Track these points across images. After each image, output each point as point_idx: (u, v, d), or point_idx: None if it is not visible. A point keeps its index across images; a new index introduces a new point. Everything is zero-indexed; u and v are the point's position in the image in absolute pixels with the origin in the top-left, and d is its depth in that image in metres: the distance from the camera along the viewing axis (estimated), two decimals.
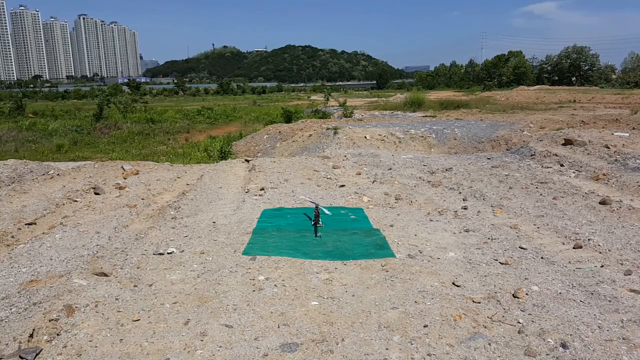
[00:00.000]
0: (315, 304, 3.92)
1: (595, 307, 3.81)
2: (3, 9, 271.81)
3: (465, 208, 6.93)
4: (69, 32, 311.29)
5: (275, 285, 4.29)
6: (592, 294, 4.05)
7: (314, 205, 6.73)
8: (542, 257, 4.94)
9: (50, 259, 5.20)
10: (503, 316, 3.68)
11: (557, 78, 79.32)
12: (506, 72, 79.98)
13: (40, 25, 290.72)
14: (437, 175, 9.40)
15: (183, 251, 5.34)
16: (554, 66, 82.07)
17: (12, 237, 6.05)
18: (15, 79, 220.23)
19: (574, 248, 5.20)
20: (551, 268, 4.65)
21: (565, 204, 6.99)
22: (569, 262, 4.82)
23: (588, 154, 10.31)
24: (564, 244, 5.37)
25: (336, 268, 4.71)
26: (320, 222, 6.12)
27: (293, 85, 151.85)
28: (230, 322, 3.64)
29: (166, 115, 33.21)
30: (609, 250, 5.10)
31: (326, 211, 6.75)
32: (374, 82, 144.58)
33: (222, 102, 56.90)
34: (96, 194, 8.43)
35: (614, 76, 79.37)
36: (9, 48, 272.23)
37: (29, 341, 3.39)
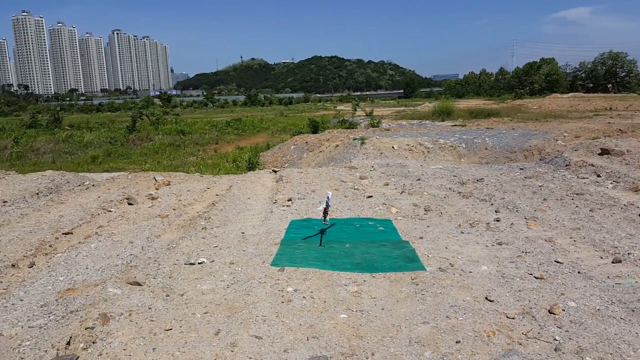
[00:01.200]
0: (344, 317, 3.89)
1: (636, 324, 3.63)
2: (42, 25, 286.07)
3: (497, 220, 6.76)
4: (104, 47, 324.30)
5: (303, 297, 4.28)
6: (633, 310, 3.86)
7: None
8: (579, 272, 4.75)
9: (86, 268, 5.36)
10: (538, 333, 3.55)
11: (592, 85, 76.90)
12: (538, 79, 78.13)
13: (77, 40, 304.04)
14: (468, 186, 9.22)
15: (213, 261, 5.41)
16: (588, 73, 79.65)
17: (50, 246, 6.26)
18: (53, 93, 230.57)
19: (612, 262, 4.98)
20: (589, 283, 4.46)
21: (602, 216, 6.72)
22: (608, 277, 4.61)
23: (626, 164, 9.90)
24: (602, 257, 5.16)
25: (365, 280, 4.66)
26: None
27: (319, 95, 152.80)
28: (260, 333, 3.65)
29: (196, 127, 34.00)
30: None
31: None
32: (401, 91, 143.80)
33: (250, 113, 57.87)
34: (129, 204, 8.66)
35: None
36: (47, 63, 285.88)
37: (66, 348, 3.49)
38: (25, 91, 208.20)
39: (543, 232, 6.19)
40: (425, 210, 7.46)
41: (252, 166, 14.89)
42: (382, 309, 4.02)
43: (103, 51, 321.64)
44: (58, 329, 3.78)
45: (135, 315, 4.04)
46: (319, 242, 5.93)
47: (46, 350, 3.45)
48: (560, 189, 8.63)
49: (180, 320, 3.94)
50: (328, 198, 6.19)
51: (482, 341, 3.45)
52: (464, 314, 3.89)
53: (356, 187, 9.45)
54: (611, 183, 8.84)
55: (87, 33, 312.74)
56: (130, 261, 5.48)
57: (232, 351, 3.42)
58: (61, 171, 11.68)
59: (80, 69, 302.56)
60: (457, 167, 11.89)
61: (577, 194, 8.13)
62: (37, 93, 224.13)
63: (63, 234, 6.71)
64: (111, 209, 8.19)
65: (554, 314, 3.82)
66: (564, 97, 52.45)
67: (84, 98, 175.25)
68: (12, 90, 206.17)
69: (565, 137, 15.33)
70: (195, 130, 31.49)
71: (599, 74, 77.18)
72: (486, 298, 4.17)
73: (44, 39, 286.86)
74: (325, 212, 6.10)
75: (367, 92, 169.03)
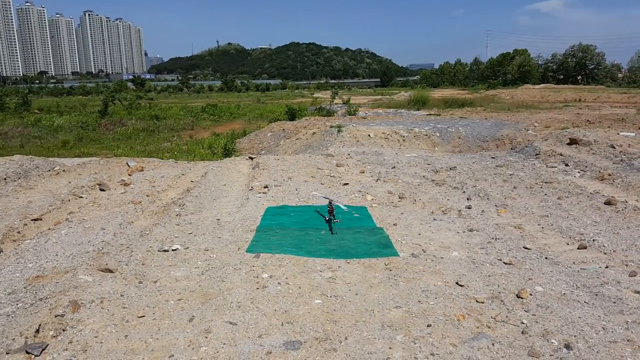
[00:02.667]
0: (318, 302, 3.94)
1: (599, 308, 3.80)
2: (9, 5, 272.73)
3: (469, 207, 6.92)
4: (75, 28, 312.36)
5: (278, 283, 4.31)
6: (596, 295, 4.04)
7: (325, 202, 6.74)
8: (546, 258, 4.94)
9: (56, 255, 5.25)
10: (507, 316, 3.68)
11: (562, 77, 78.90)
12: (511, 70, 79.61)
13: (46, 21, 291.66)
14: (441, 174, 9.39)
15: (187, 248, 5.36)
16: (559, 65, 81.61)
17: (18, 232, 6.10)
18: (21, 75, 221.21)
19: (578, 249, 5.19)
20: (555, 268, 4.64)
21: (569, 204, 6.97)
22: (573, 262, 4.81)
23: (593, 153, 10.26)
24: (568, 244, 5.36)
25: (340, 266, 4.72)
26: (338, 219, 6.10)
27: (297, 82, 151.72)
28: (234, 319, 3.66)
29: (170, 112, 33.30)
30: (613, 251, 5.09)
31: (342, 207, 6.75)
32: (378, 79, 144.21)
33: (226, 99, 56.97)
34: (101, 190, 8.47)
35: (620, 75, 78.78)
36: (15, 44, 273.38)
37: (35, 336, 3.42)
38: None
39: (512, 219, 6.38)
40: (399, 198, 7.56)
41: (228, 153, 14.72)
42: (356, 294, 4.08)
43: (74, 33, 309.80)
44: (27, 316, 3.70)
45: (107, 302, 3.99)
46: (329, 230, 5.87)
47: (14, 339, 3.37)
48: (529, 177, 8.89)
49: (153, 307, 3.91)
50: (325, 198, 6.24)
51: (453, 325, 3.55)
52: (435, 298, 3.99)
53: (332, 174, 9.48)
54: (579, 172, 9.16)
55: (57, 14, 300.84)
56: (102, 248, 5.39)
57: (206, 337, 3.42)
58: (30, 156, 11.27)
59: (50, 50, 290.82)
60: (431, 156, 12.07)
61: (546, 182, 8.39)
62: (5, 75, 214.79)
63: (32, 220, 6.53)
64: (82, 195, 7.99)
65: (521, 298, 3.97)
66: (536, 88, 53.75)
67: (54, 81, 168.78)
68: None
69: (536, 127, 15.73)
70: (169, 116, 30.82)
71: (570, 66, 79.18)
72: (457, 283, 4.29)
73: (11, 19, 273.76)
74: (331, 212, 6.12)
75: (345, 80, 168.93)
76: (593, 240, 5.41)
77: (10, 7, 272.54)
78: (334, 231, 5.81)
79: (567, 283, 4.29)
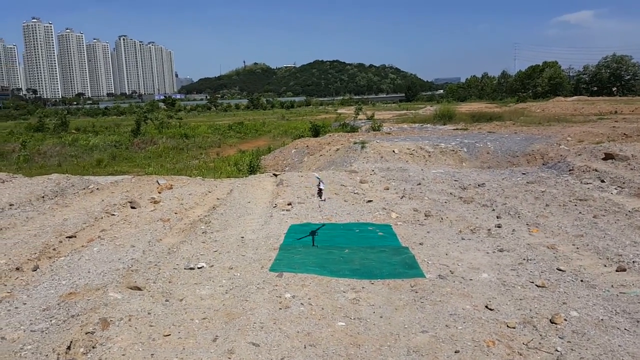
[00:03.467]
0: (342, 325, 3.87)
1: None
2: (51, 32, 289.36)
3: (499, 226, 6.72)
4: (110, 52, 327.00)
5: (301, 303, 4.27)
6: (638, 321, 3.81)
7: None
8: (581, 280, 4.70)
9: (88, 272, 5.38)
10: (540, 343, 3.52)
11: (596, 88, 76.52)
12: (541, 82, 77.87)
13: (84, 46, 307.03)
14: (469, 191, 9.19)
15: (212, 266, 5.42)
16: (592, 76, 79.30)
17: (54, 249, 6.30)
18: (60, 97, 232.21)
19: (616, 271, 4.93)
20: (592, 292, 4.41)
21: (606, 223, 6.67)
22: (612, 286, 4.56)
23: (631, 169, 9.83)
24: (605, 266, 5.11)
25: (363, 287, 4.65)
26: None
27: (321, 99, 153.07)
28: (257, 340, 3.64)
29: (199, 130, 34.14)
30: None
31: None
32: (403, 94, 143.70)
33: (252, 116, 58.05)
34: (132, 207, 8.69)
35: None
36: (55, 68, 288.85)
37: (66, 353, 3.51)
38: (33, 95, 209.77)
39: (545, 238, 6.14)
40: (425, 216, 7.43)
41: (253, 170, 14.91)
42: (381, 317, 4.00)
43: (110, 56, 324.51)
44: (59, 333, 3.80)
45: (135, 320, 4.05)
46: (312, 242, 6.00)
47: (47, 355, 3.46)
48: (563, 194, 8.58)
49: (178, 325, 3.95)
50: (319, 181, 6.39)
51: (482, 351, 3.42)
52: (464, 322, 3.86)
53: (356, 191, 9.44)
54: (615, 189, 8.78)
55: (94, 39, 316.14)
56: (132, 265, 5.50)
57: (229, 358, 3.41)
58: (66, 174, 11.76)
59: (87, 73, 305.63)
60: (458, 172, 11.85)
61: (580, 199, 8.08)
62: (45, 97, 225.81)
63: (67, 237, 6.74)
64: (114, 213, 8.22)
65: (555, 323, 3.78)
66: (568, 100, 52.27)
67: (91, 102, 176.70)
68: (21, 94, 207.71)
69: (569, 141, 15.26)
70: (198, 134, 31.63)
71: (604, 77, 76.78)
72: (486, 307, 4.14)
73: (53, 45, 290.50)
74: (320, 192, 6.28)
75: (369, 96, 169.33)
76: (633, 262, 5.12)
77: (52, 34, 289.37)
78: (354, 247, 5.79)
79: (605, 308, 4.07)
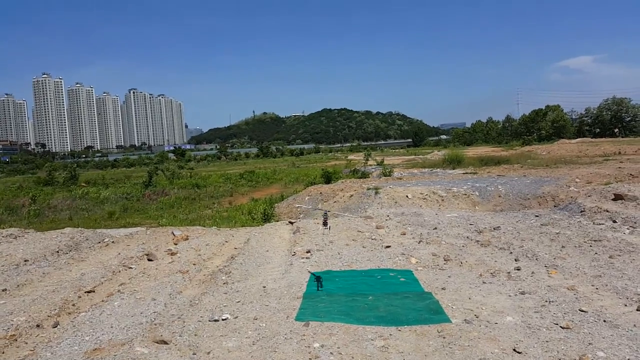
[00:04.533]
0: None
1: None
2: (61, 86, 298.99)
3: (518, 269, 6.74)
4: (120, 105, 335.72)
5: (331, 353, 4.28)
6: None
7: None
8: (604, 321, 4.71)
9: (111, 327, 5.39)
10: None
11: (598, 130, 77.41)
12: (545, 126, 78.95)
13: (94, 99, 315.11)
14: (485, 235, 9.23)
15: (237, 317, 5.44)
16: (594, 118, 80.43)
17: (73, 305, 6.30)
18: (69, 150, 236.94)
19: (637, 310, 4.93)
20: (615, 332, 4.42)
21: (623, 263, 6.67)
22: (634, 325, 4.56)
23: None
24: (626, 305, 5.11)
25: (391, 334, 4.65)
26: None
27: (330, 146, 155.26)
28: None
29: (210, 180, 34.56)
30: None
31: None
32: (410, 140, 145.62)
33: (263, 164, 58.81)
34: (149, 260, 8.76)
35: None
36: (65, 122, 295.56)
37: None
38: (42, 149, 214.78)
39: (564, 280, 6.15)
40: (445, 260, 7.46)
41: (267, 218, 15.03)
42: None
43: (119, 109, 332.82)
44: None
45: None
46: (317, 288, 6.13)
47: None
48: (577, 235, 8.60)
49: None
50: (325, 212, 6.63)
51: None
52: None
53: (373, 237, 9.50)
54: (628, 228, 8.79)
55: (104, 92, 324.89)
56: (155, 319, 5.52)
57: None
58: (79, 228, 11.83)
59: (96, 126, 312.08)
60: (472, 215, 11.91)
61: (594, 240, 8.09)
62: (54, 151, 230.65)
63: (85, 292, 6.77)
64: (132, 266, 8.28)
65: None
66: (572, 142, 52.71)
67: (100, 154, 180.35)
68: (30, 149, 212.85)
69: (578, 182, 15.35)
70: (209, 184, 31.99)
71: (605, 119, 77.84)
72: (514, 350, 4.14)
73: (63, 99, 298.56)
74: (325, 222, 6.50)
75: (377, 142, 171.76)
76: None
77: (62, 89, 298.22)
78: (378, 294, 5.82)
79: (631, 347, 4.07)
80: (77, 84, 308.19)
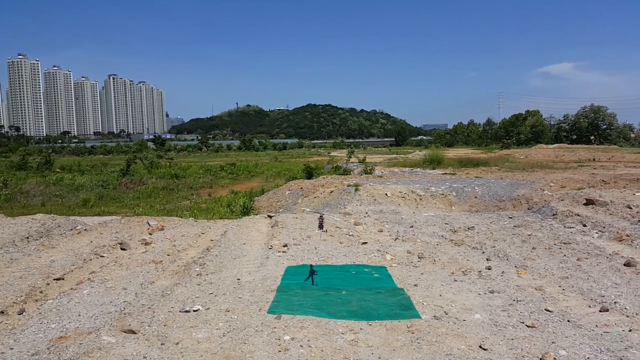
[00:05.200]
0: None
1: None
2: (38, 69, 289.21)
3: (489, 268, 6.88)
4: (99, 90, 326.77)
5: (301, 345, 4.30)
6: (621, 359, 3.95)
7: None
8: (568, 321, 4.86)
9: (79, 315, 5.31)
10: None
11: (575, 137, 79.39)
12: (524, 130, 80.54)
13: (72, 84, 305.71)
14: (460, 234, 9.39)
15: (208, 309, 5.41)
16: (572, 125, 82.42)
17: (41, 292, 6.16)
18: (45, 135, 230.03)
19: (600, 311, 5.11)
20: (578, 332, 4.57)
21: (589, 266, 6.89)
22: (596, 325, 4.72)
23: (610, 214, 10.19)
24: (590, 306, 5.28)
25: (361, 329, 4.70)
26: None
27: (313, 141, 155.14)
28: None
29: (190, 171, 34.13)
30: (636, 314, 4.99)
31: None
32: (393, 139, 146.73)
33: (245, 158, 58.34)
34: (123, 249, 8.63)
35: (632, 135, 78.99)
36: (41, 105, 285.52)
37: None
38: (16, 133, 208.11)
39: (533, 280, 6.32)
40: (419, 258, 7.57)
41: (246, 211, 14.94)
42: (379, 358, 4.05)
43: (98, 95, 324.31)
44: None
45: None
46: (311, 282, 6.12)
47: None
48: (548, 238, 8.83)
49: None
50: (320, 215, 6.64)
51: None
52: None
53: (351, 233, 9.55)
54: (596, 232, 9.07)
55: (82, 77, 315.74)
56: (124, 308, 5.45)
57: None
58: (52, 215, 11.53)
59: (74, 111, 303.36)
60: (448, 215, 12.09)
61: (564, 243, 8.32)
62: (29, 135, 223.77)
63: (54, 279, 6.62)
64: (104, 254, 8.14)
65: None
66: (550, 147, 53.99)
67: (77, 140, 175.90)
68: (3, 132, 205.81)
69: (552, 187, 15.73)
70: (189, 174, 31.58)
71: (582, 126, 79.84)
72: (480, 347, 4.23)
73: (39, 82, 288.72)
74: (321, 225, 6.52)
75: (360, 140, 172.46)
76: (615, 302, 5.32)
77: (38, 72, 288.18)
78: (351, 288, 5.86)
79: (591, 347, 4.21)
80: (55, 67, 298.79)
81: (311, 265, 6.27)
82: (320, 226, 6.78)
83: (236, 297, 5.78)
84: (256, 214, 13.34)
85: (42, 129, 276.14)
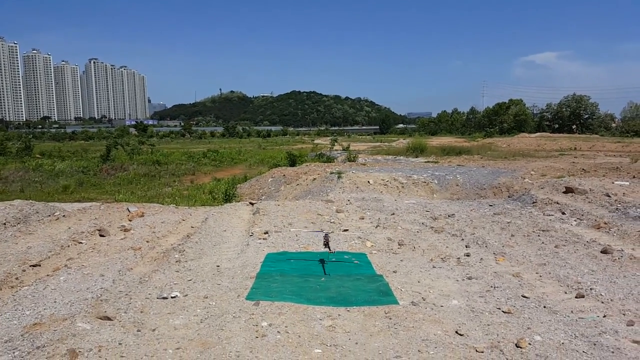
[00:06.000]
0: (318, 352, 3.92)
1: (597, 358, 3.80)
2: (16, 52, 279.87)
3: (467, 255, 6.96)
4: (79, 75, 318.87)
5: (278, 331, 4.29)
6: (594, 344, 4.04)
7: (321, 249, 6.86)
8: (544, 307, 4.94)
9: (54, 302, 5.21)
10: None
11: (557, 126, 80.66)
12: (507, 119, 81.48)
13: (52, 68, 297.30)
14: (440, 221, 9.47)
15: (187, 295, 5.36)
16: (554, 114, 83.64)
17: (16, 278, 6.06)
18: (24, 120, 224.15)
19: (576, 297, 5.21)
20: (554, 317, 4.65)
21: (567, 253, 7.02)
22: (571, 311, 4.82)
23: (589, 202, 10.39)
24: (566, 293, 5.38)
25: (339, 315, 4.72)
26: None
27: (298, 129, 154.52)
28: None
29: (172, 157, 33.72)
30: (611, 300, 5.10)
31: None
32: (377, 127, 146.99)
33: (228, 144, 57.84)
34: (101, 236, 8.49)
35: (613, 125, 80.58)
36: (20, 90, 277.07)
37: None
38: None
39: (511, 267, 6.41)
40: (399, 245, 7.61)
41: (228, 198, 14.84)
42: (356, 344, 4.07)
43: (79, 79, 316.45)
44: None
45: (105, 351, 3.96)
46: (322, 273, 6.12)
47: None
48: (527, 225, 8.97)
49: (151, 356, 3.88)
50: (326, 233, 6.57)
51: None
52: (435, 348, 3.98)
53: (332, 220, 9.56)
54: (575, 220, 9.25)
55: (63, 61, 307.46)
56: (101, 295, 5.37)
57: None
58: (30, 201, 11.28)
59: (54, 96, 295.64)
60: (429, 203, 12.19)
61: (543, 230, 8.46)
62: (7, 120, 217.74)
63: (30, 266, 6.50)
64: (82, 241, 8.01)
65: (520, 347, 3.96)
66: (532, 136, 54.75)
67: (57, 126, 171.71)
68: None
69: (532, 175, 15.98)
70: (171, 161, 31.22)
71: (564, 116, 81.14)
72: (456, 332, 4.28)
73: (17, 65, 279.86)
74: (327, 243, 6.47)
75: (344, 127, 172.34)
76: (590, 289, 5.43)
77: (17, 54, 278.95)
78: (331, 275, 5.86)
79: (566, 332, 4.30)
80: (34, 50, 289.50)
81: (321, 260, 6.37)
82: (326, 245, 6.71)
83: (215, 283, 5.74)
84: (238, 201, 13.27)
85: (22, 114, 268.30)
